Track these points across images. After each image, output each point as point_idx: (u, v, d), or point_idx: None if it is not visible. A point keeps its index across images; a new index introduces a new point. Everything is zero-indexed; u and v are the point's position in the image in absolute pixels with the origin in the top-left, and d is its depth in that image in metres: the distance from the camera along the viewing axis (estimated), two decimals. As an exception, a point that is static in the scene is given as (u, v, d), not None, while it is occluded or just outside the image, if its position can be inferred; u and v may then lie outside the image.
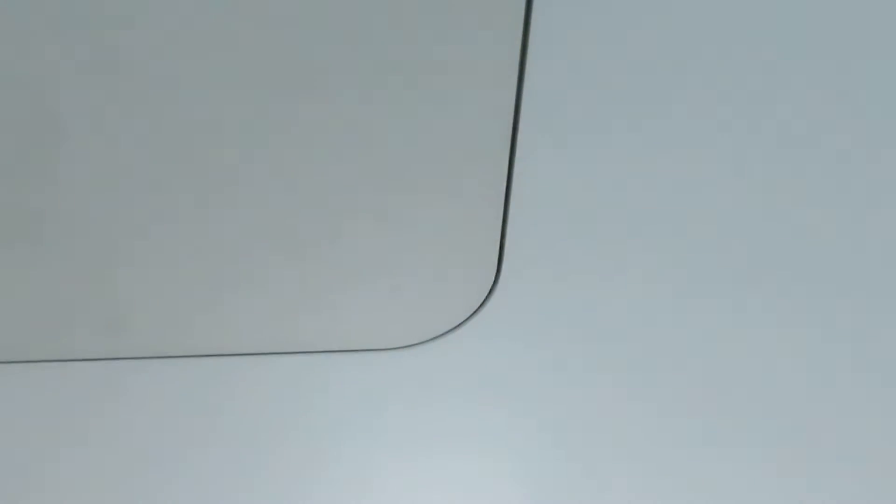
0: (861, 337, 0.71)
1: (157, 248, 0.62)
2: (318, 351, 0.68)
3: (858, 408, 0.76)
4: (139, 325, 0.65)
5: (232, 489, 0.82)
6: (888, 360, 0.73)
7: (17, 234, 0.60)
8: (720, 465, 0.82)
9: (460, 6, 0.52)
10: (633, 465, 0.80)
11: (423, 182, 0.60)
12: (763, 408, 0.76)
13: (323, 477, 0.81)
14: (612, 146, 0.59)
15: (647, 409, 0.76)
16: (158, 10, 0.51)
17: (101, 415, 0.74)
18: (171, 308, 0.65)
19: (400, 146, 0.58)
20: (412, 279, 0.65)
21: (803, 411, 0.76)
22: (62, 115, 0.55)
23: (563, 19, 0.53)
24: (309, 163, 0.58)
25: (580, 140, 0.59)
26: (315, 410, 0.74)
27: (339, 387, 0.72)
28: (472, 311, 0.67)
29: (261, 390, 0.72)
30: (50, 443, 0.76)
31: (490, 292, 0.66)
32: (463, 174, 0.60)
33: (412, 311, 0.67)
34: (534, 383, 0.72)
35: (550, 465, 0.80)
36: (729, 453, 0.80)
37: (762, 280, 0.67)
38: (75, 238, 0.61)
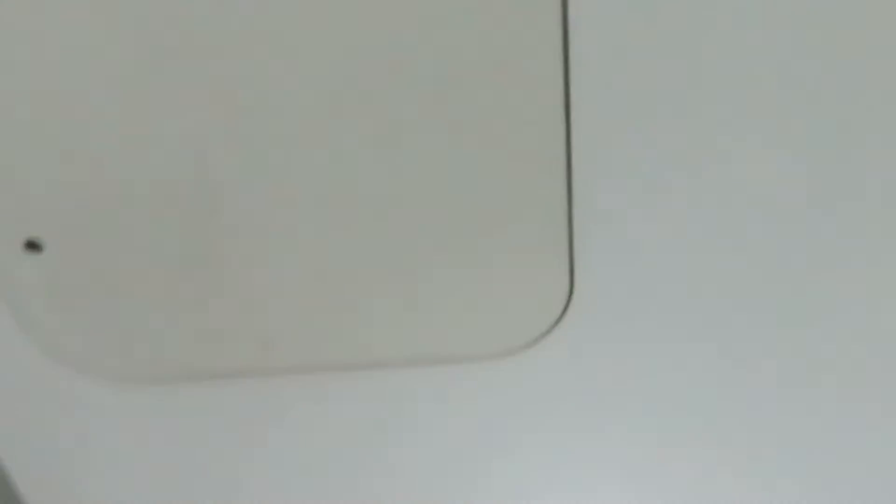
0: None
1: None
2: (428, 363, 0.82)
3: None
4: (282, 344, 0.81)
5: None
6: None
7: (189, 271, 0.76)
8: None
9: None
10: (730, 450, 0.91)
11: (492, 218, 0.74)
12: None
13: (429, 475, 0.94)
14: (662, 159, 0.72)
15: (738, 396, 0.86)
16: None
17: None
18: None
19: (475, 190, 0.72)
20: (496, 297, 0.79)
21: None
22: (218, 179, 0.71)
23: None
24: (412, 209, 0.73)
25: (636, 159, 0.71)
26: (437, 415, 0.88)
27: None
28: (552, 323, 0.80)
29: (374, 401, 0.87)
30: (216, 453, 0.92)
31: (567, 303, 0.79)
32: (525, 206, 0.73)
33: (496, 327, 0.80)
34: (617, 380, 0.85)
35: (645, 456, 0.92)
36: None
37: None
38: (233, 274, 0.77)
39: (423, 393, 0.86)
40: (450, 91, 0.68)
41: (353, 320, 0.79)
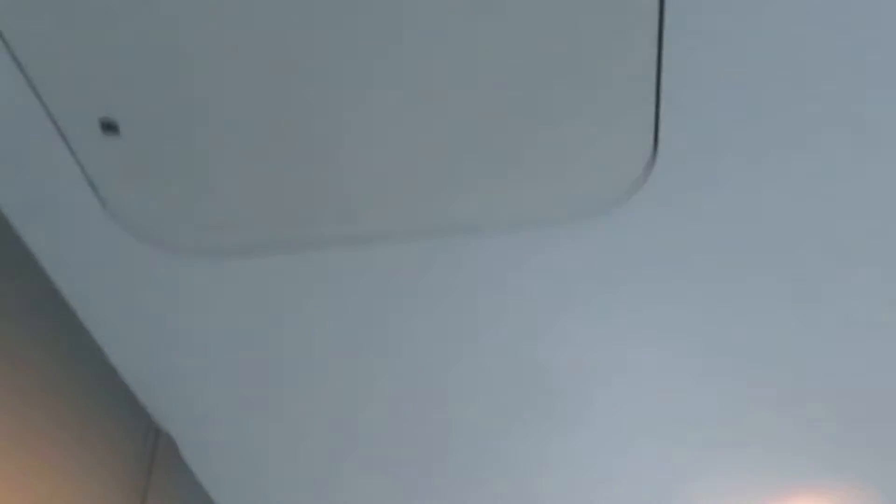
0: None
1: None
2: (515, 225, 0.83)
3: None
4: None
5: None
6: None
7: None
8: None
9: None
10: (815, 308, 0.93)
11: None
12: None
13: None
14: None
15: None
16: None
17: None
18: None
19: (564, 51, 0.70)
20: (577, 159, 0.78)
21: None
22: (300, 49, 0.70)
23: None
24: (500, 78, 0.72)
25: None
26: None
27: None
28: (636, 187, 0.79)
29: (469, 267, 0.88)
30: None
31: (651, 168, 0.78)
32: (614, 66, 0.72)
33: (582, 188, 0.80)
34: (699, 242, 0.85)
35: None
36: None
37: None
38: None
39: (507, 258, 0.87)
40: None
41: (438, 186, 0.79)
